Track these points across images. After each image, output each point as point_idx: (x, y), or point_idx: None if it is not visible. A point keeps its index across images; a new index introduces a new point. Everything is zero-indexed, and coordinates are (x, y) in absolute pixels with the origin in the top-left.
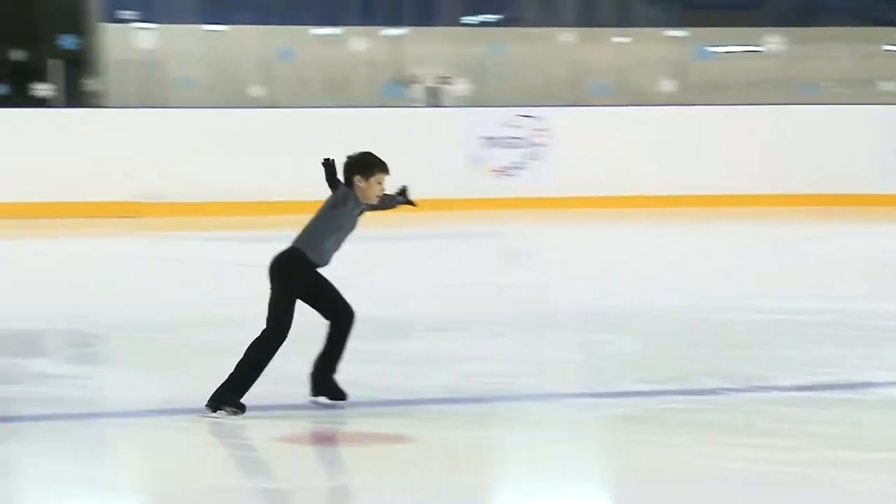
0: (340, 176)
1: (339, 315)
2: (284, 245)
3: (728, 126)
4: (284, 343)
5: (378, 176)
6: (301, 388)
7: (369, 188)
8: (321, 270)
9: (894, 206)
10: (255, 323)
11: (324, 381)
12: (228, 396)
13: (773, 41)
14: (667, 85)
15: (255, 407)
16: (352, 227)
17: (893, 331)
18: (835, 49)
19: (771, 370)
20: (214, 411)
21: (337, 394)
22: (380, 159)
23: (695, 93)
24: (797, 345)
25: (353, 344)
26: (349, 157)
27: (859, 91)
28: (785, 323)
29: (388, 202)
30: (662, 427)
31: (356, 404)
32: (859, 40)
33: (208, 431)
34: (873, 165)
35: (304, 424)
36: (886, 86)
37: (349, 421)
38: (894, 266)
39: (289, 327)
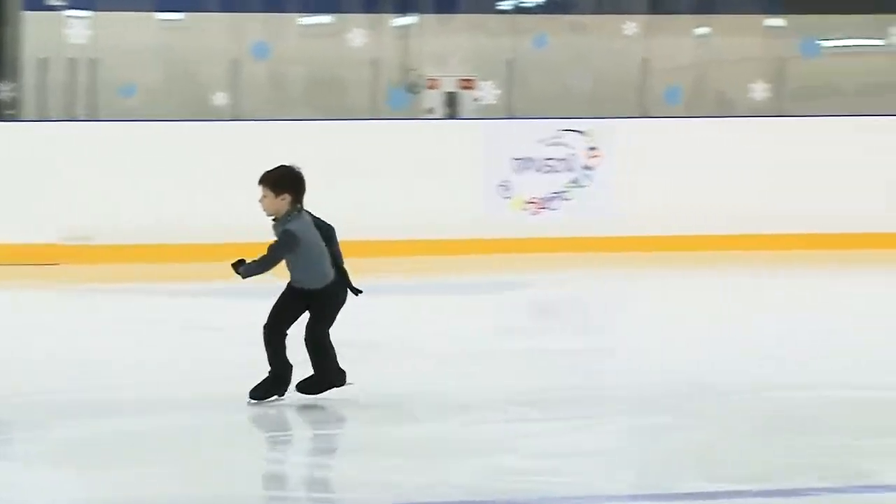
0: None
1: None
2: (258, 302)
3: (842, 142)
4: None
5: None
6: None
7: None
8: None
9: None
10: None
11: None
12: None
13: None
14: (761, 90)
15: None
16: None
17: None
18: None
19: (877, 463)
20: None
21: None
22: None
23: (798, 100)
24: None
25: (353, 429)
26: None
27: None
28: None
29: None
30: None
31: None
32: None
33: None
34: None
35: None
36: None
37: None
38: None
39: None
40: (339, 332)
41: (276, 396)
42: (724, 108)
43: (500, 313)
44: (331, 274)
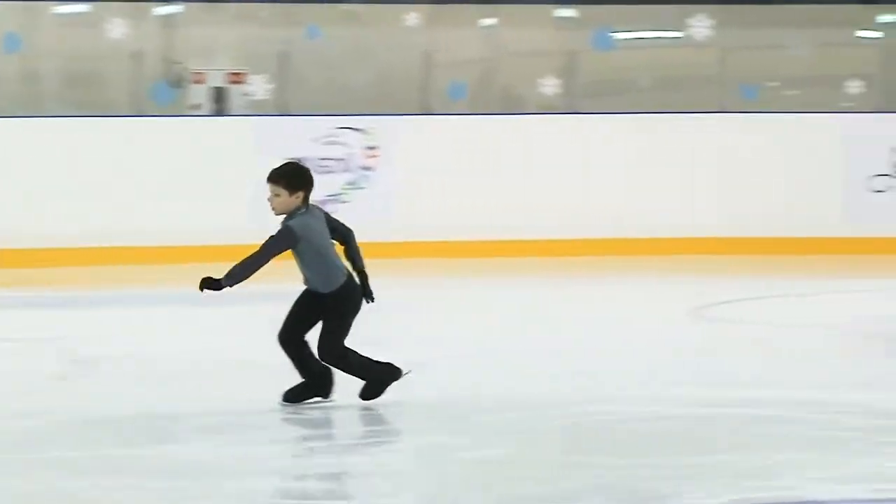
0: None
1: None
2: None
3: (633, 141)
4: None
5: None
6: None
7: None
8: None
9: (867, 254)
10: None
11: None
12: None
13: (701, 24)
14: (551, 85)
15: None
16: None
17: (851, 430)
18: (787, 36)
19: (680, 484)
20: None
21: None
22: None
23: (591, 96)
24: (718, 449)
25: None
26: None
27: (819, 94)
28: (705, 420)
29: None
30: None
31: None
32: (822, 24)
33: None
34: (834, 199)
35: None
36: (854, 86)
37: None
38: (871, 339)
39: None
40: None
41: (316, 398)
42: (512, 104)
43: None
44: (341, 278)
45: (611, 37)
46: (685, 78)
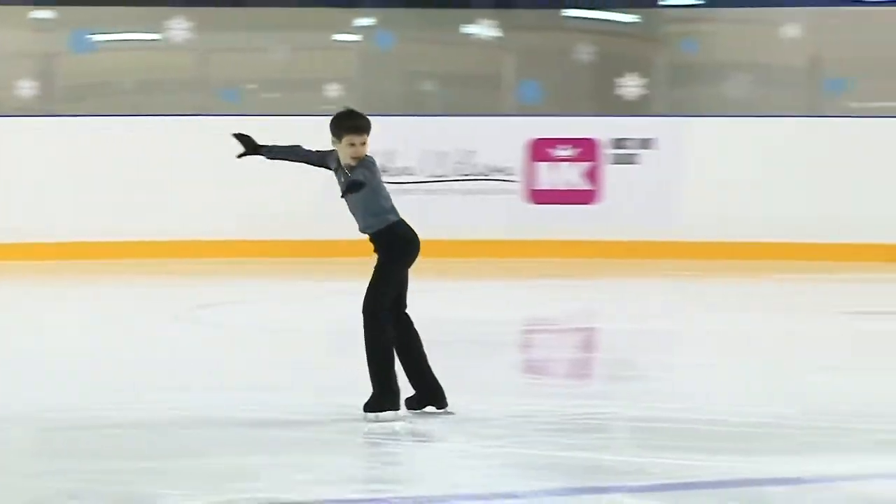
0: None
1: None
2: None
3: (119, 144)
4: None
5: (347, 138)
6: None
7: (340, 150)
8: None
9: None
10: None
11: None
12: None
13: (179, 27)
14: (27, 88)
15: None
16: (345, 192)
17: (339, 433)
18: (265, 39)
19: (157, 487)
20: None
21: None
22: (351, 116)
23: (71, 100)
24: (199, 452)
25: None
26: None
27: (299, 97)
28: (186, 423)
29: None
30: None
31: None
32: (300, 27)
33: None
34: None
35: None
36: (333, 89)
37: None
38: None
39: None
40: None
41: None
42: None
43: None
44: (394, 214)
45: (89, 39)
46: (166, 81)
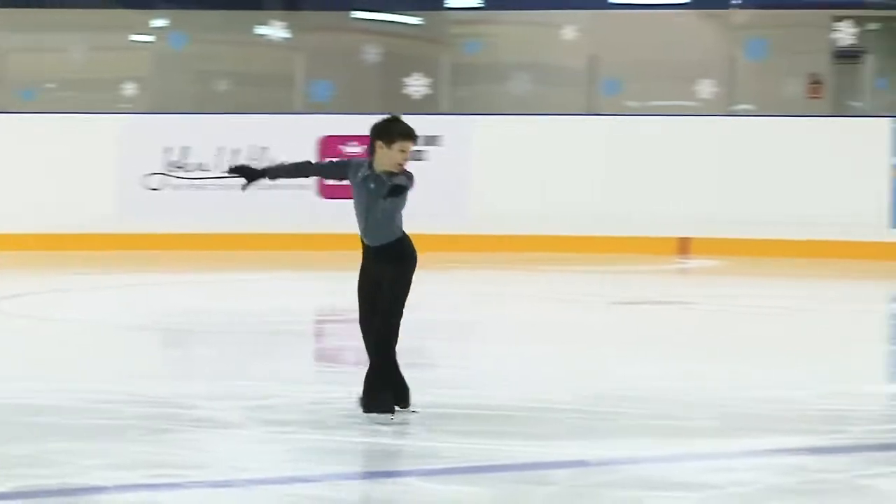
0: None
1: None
2: None
3: None
4: None
5: (400, 143)
6: None
7: (384, 155)
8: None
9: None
10: None
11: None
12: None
13: None
14: None
15: None
16: (367, 201)
17: (129, 418)
18: (64, 39)
19: None
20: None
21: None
22: (401, 122)
23: None
24: None
25: None
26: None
27: (96, 95)
28: None
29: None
30: None
31: None
32: (98, 28)
33: None
34: (108, 196)
35: None
36: (129, 88)
37: None
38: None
39: (361, 312)
40: None
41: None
42: None
43: None
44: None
45: None
46: None
